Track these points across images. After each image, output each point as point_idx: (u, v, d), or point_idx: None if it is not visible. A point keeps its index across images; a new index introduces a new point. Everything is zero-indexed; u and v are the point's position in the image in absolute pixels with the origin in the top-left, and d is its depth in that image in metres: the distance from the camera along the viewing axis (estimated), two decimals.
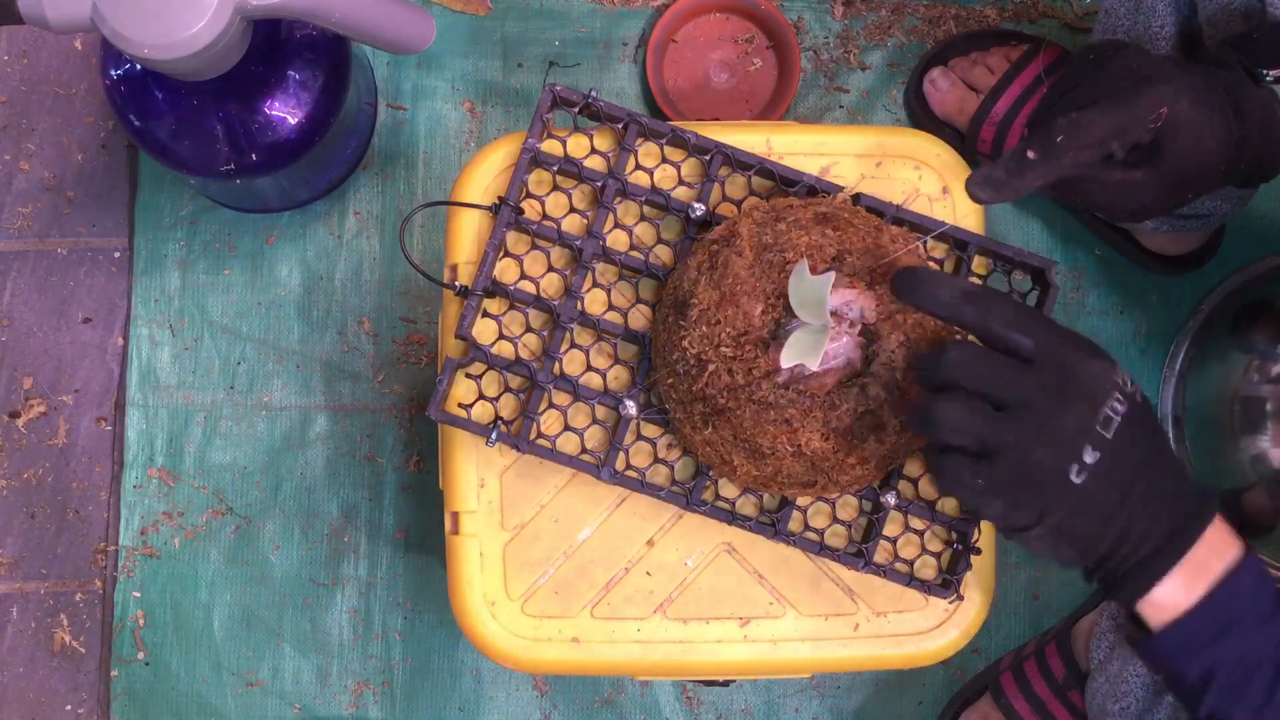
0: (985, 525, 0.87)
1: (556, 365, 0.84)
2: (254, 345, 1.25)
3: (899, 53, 1.29)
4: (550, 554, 0.86)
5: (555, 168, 0.85)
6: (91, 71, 1.26)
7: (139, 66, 1.04)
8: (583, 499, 0.86)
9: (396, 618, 1.24)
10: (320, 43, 1.08)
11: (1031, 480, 0.67)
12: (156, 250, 1.25)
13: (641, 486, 0.84)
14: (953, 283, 0.70)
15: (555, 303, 0.84)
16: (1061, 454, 0.67)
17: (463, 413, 0.84)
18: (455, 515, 0.86)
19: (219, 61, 0.97)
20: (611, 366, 0.85)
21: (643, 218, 0.86)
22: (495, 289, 0.84)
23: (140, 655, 1.23)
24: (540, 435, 0.84)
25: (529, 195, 0.86)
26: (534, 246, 0.86)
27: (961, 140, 1.22)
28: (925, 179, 0.88)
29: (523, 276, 0.85)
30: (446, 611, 1.22)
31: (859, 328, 0.76)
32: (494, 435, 0.82)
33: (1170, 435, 1.24)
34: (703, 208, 0.84)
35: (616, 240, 0.86)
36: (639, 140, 0.86)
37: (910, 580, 0.85)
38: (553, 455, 0.83)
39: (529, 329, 0.85)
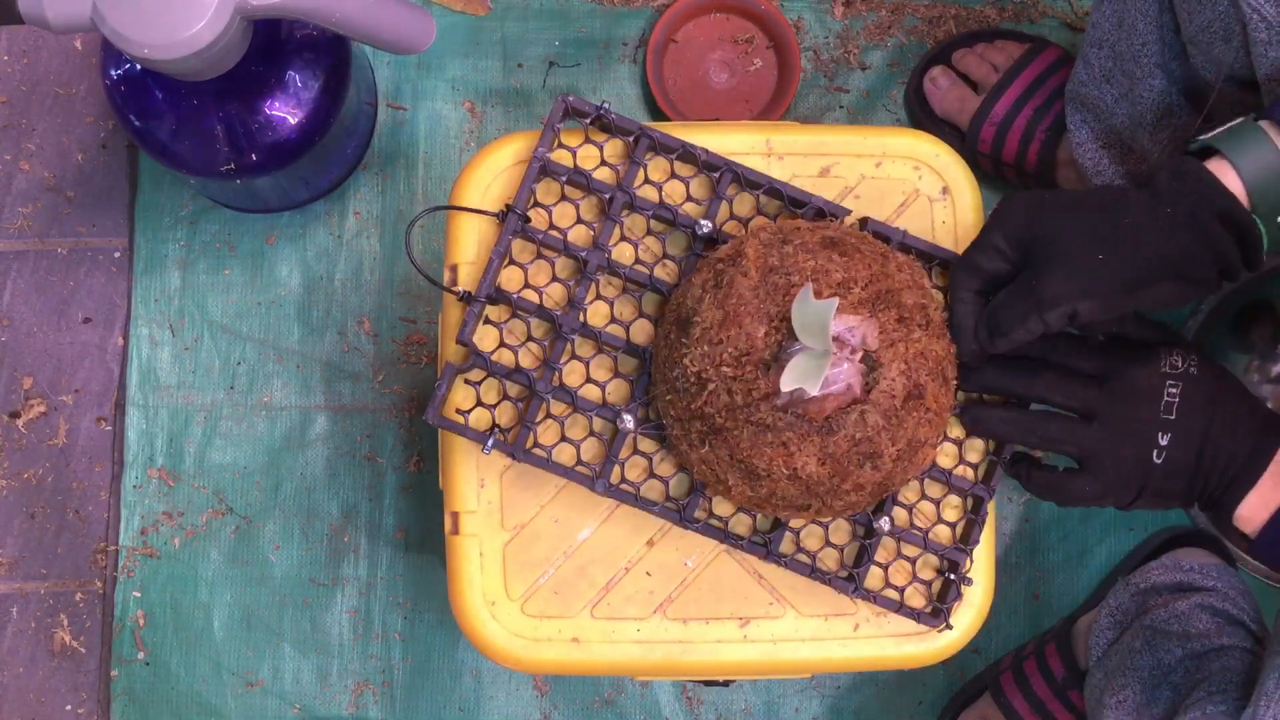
0: (978, 553, 0.87)
1: (556, 375, 0.84)
2: (254, 345, 1.25)
3: (899, 53, 1.29)
4: (550, 554, 0.86)
5: (564, 178, 0.85)
6: (91, 71, 1.26)
7: (139, 66, 1.04)
8: (583, 499, 0.86)
9: (396, 618, 1.24)
10: (320, 43, 1.08)
11: (1125, 473, 0.82)
12: (156, 250, 1.25)
13: (635, 501, 0.84)
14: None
15: (558, 313, 0.84)
16: (1142, 447, 0.81)
17: (460, 419, 0.84)
18: (455, 515, 0.86)
19: (219, 61, 0.97)
20: (611, 379, 0.85)
21: (649, 232, 0.86)
22: (499, 296, 0.84)
23: (140, 655, 1.23)
24: (536, 444, 0.84)
25: (536, 204, 0.86)
26: (539, 255, 0.85)
27: (962, 140, 1.22)
28: (925, 179, 0.88)
29: (526, 285, 0.85)
30: (446, 611, 1.22)
31: (860, 354, 0.76)
32: (490, 443, 0.82)
33: None
34: (710, 225, 0.84)
35: (622, 253, 0.86)
36: (648, 154, 0.86)
37: (900, 607, 0.85)
38: (548, 465, 0.83)
39: (530, 338, 0.85)
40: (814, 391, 0.74)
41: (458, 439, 0.85)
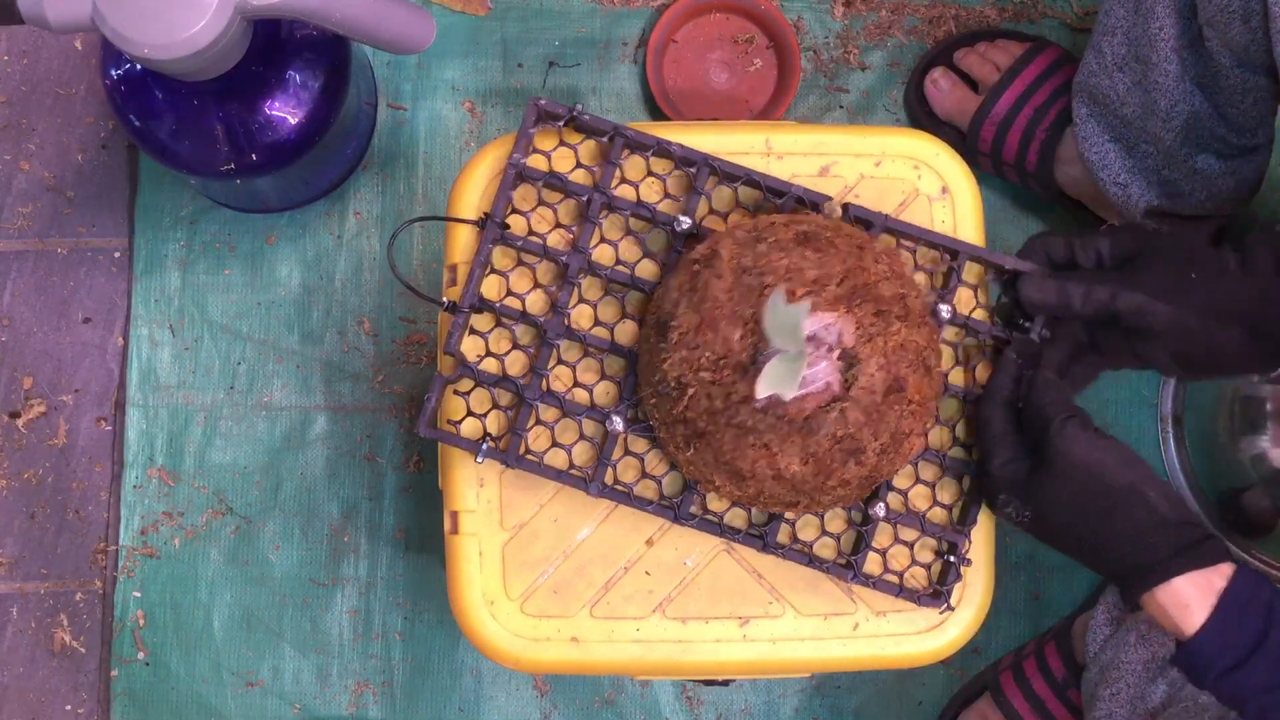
0: (976, 536, 0.87)
1: (544, 381, 0.84)
2: (254, 345, 1.25)
3: (899, 53, 1.29)
4: (549, 553, 0.86)
5: (540, 182, 0.85)
6: (91, 71, 1.26)
7: (139, 66, 1.04)
8: (582, 499, 0.86)
9: (396, 618, 1.24)
10: (320, 43, 1.08)
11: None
12: (156, 250, 1.25)
13: (629, 500, 0.84)
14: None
15: (542, 319, 0.84)
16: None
17: (452, 429, 0.84)
18: (454, 515, 0.86)
19: (219, 61, 0.97)
20: (598, 382, 0.85)
21: (629, 232, 0.86)
22: (482, 305, 0.84)
23: (140, 655, 1.23)
24: (529, 451, 0.84)
25: (514, 210, 0.85)
26: (520, 262, 0.85)
27: (962, 140, 1.22)
28: (925, 179, 0.88)
29: (509, 293, 0.85)
30: (446, 611, 1.22)
31: (838, 352, 0.76)
32: (482, 451, 0.82)
33: (1170, 435, 1.24)
34: (689, 221, 0.84)
35: (602, 254, 0.86)
36: (624, 153, 0.85)
37: (900, 591, 0.85)
38: (541, 470, 0.83)
39: (516, 345, 0.85)
40: (790, 396, 0.74)
41: None
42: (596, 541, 0.86)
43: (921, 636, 0.87)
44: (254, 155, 1.07)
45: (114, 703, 1.23)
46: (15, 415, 1.24)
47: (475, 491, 0.86)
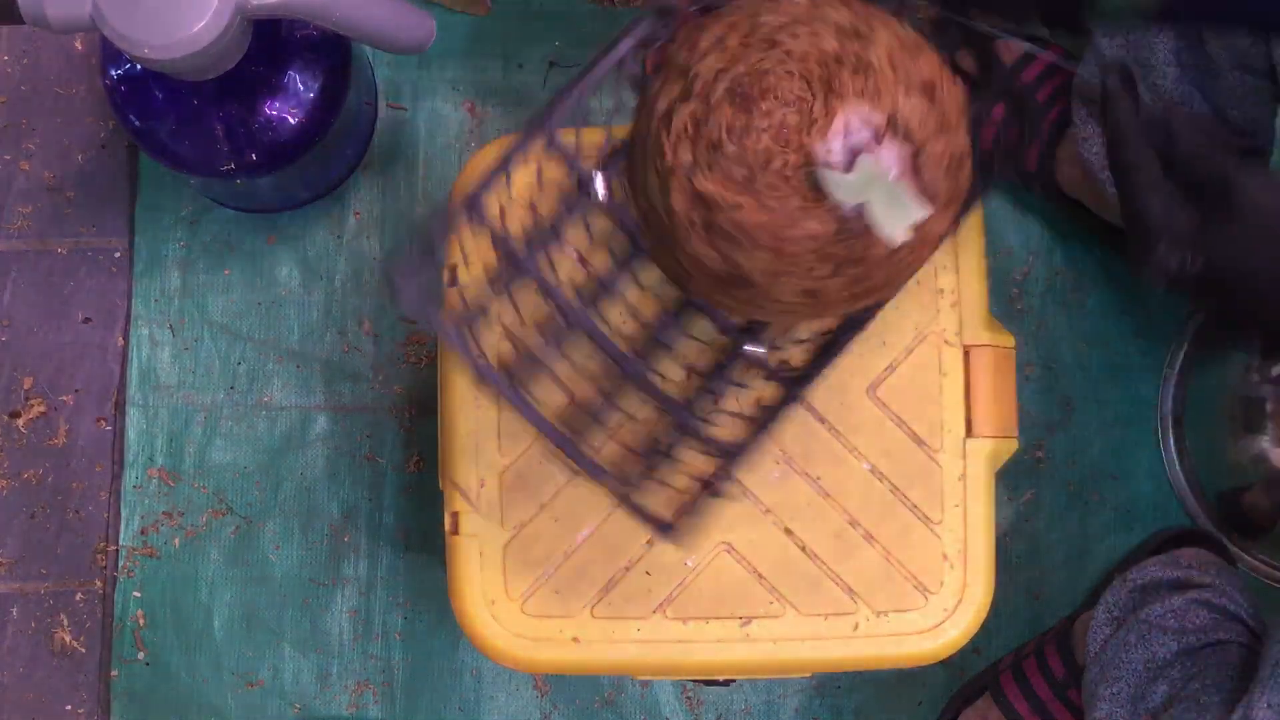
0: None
1: (625, 345, 0.82)
2: (254, 345, 1.25)
3: None
4: (550, 553, 0.86)
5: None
6: (91, 71, 1.26)
7: (139, 66, 1.04)
8: (582, 498, 0.86)
9: (396, 618, 1.24)
10: (320, 43, 1.08)
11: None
12: (156, 250, 1.25)
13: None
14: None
15: (565, 321, 0.81)
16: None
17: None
18: (455, 515, 0.86)
19: (219, 61, 0.97)
20: (658, 310, 0.84)
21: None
22: (514, 373, 0.81)
23: (140, 655, 1.23)
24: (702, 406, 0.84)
25: (454, 267, 0.83)
26: (512, 297, 0.82)
27: None
28: None
29: (530, 352, 0.82)
30: (446, 611, 1.22)
31: (879, 130, 0.67)
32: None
33: (1170, 435, 1.24)
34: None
35: (544, 213, 0.83)
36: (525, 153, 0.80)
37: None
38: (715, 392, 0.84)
39: (576, 362, 0.83)
40: (917, 218, 0.67)
41: (458, 439, 0.86)
42: (597, 541, 0.86)
43: (921, 636, 0.87)
44: (254, 155, 1.07)
45: (114, 703, 1.23)
46: (15, 415, 1.24)
47: (476, 492, 0.86)
